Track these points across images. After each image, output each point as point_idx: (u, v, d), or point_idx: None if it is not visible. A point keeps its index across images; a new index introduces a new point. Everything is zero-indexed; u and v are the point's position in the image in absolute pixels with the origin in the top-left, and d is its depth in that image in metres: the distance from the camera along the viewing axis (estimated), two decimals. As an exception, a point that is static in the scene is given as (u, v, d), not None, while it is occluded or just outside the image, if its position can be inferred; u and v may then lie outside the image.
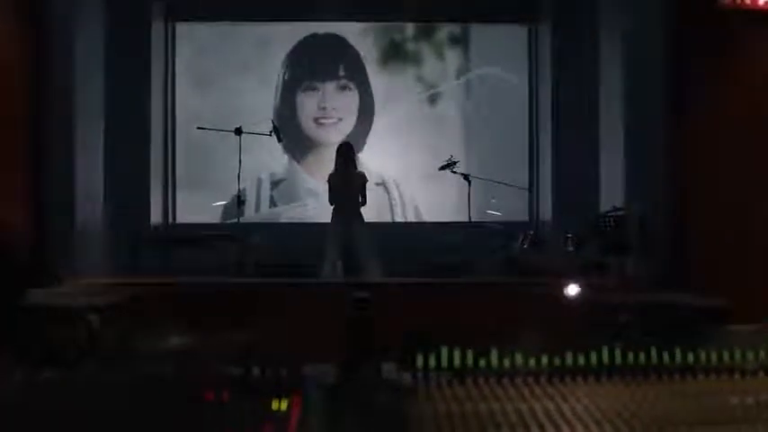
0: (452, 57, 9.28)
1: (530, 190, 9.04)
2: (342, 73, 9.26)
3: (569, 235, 7.04)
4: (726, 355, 1.45)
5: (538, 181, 9.07)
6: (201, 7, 8.94)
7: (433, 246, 7.66)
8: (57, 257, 5.86)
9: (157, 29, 8.79)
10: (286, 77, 9.23)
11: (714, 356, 1.45)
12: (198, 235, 7.47)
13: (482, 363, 1.44)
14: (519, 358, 1.44)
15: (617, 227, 6.50)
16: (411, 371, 1.46)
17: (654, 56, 6.02)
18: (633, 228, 6.23)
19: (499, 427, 1.22)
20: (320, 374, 1.48)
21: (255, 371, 1.42)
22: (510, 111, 9.16)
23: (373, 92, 9.24)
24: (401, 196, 9.17)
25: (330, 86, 9.24)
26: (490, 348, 1.47)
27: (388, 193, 9.14)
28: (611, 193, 7.28)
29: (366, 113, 9.22)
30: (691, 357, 1.44)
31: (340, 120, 9.21)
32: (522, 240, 7.46)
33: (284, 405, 1.31)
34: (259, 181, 9.07)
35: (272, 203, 9.16)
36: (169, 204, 8.98)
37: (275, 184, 9.17)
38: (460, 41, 9.31)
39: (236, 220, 7.90)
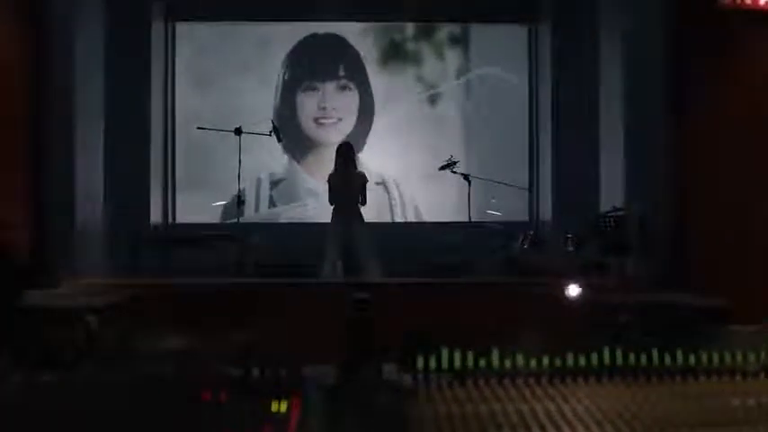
0: (452, 57, 9.28)
1: (530, 190, 9.04)
2: (342, 73, 9.26)
3: (569, 235, 7.04)
4: (727, 357, 1.44)
5: (538, 181, 9.07)
6: (201, 7, 8.94)
7: (432, 246, 7.66)
8: (56, 257, 5.86)
9: (157, 29, 8.78)
10: (286, 77, 9.23)
11: (715, 358, 1.45)
12: (198, 235, 7.47)
13: (482, 364, 1.44)
14: (520, 359, 1.44)
15: (617, 227, 6.50)
16: (411, 372, 1.46)
17: (654, 56, 6.01)
18: (633, 228, 6.22)
19: (500, 428, 1.21)
20: (320, 375, 1.48)
21: (255, 372, 1.41)
22: (510, 111, 9.15)
23: (373, 92, 9.23)
24: (401, 196, 9.17)
25: (330, 86, 9.24)
26: (491, 349, 1.46)
27: (388, 193, 9.14)
28: (611, 193, 7.28)
29: (366, 113, 9.22)
30: (692, 358, 1.44)
31: (340, 120, 9.21)
32: (522, 240, 7.46)
33: (284, 406, 1.30)
34: (258, 181, 9.06)
35: (272, 203, 9.16)
36: (169, 204, 8.98)
37: (275, 183, 9.17)
38: (460, 41, 9.31)
39: (235, 220, 7.90)
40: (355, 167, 7.48)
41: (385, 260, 7.04)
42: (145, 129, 8.32)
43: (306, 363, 1.49)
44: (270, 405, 1.31)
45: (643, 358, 1.43)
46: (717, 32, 5.39)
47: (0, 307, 3.48)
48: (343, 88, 9.25)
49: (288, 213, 9.12)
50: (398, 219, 9.16)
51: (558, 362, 1.43)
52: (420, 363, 1.45)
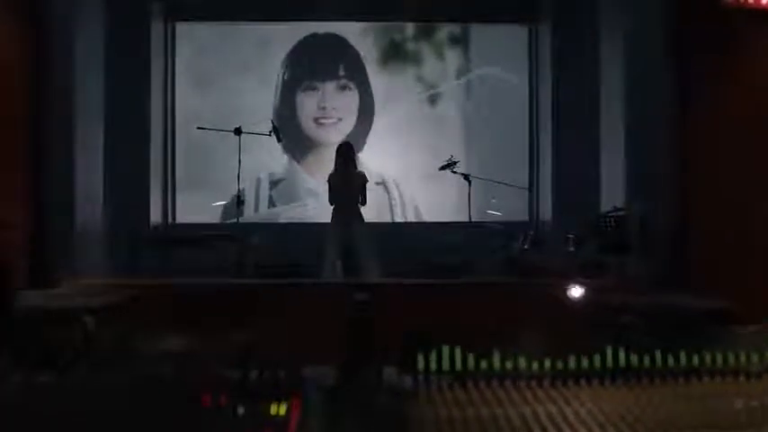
0: (452, 57, 9.27)
1: (530, 190, 9.03)
2: (342, 73, 9.25)
3: (569, 235, 7.03)
4: (730, 358, 1.43)
5: (538, 181, 9.06)
6: (201, 7, 8.92)
7: (433, 246, 7.65)
8: (56, 258, 5.85)
9: (157, 29, 8.77)
10: (286, 77, 9.22)
11: (719, 359, 1.43)
12: (197, 235, 7.46)
13: (483, 366, 1.42)
14: (521, 361, 1.42)
15: (617, 227, 6.49)
16: (412, 373, 1.45)
17: (655, 55, 6.00)
18: (634, 228, 6.22)
19: (501, 431, 1.20)
20: (320, 377, 1.46)
21: (254, 373, 1.40)
22: (510, 111, 9.14)
23: (373, 92, 9.23)
24: (401, 196, 9.16)
25: (330, 86, 9.23)
26: (492, 351, 1.45)
27: (388, 193, 9.13)
28: (612, 193, 7.27)
29: (366, 113, 9.21)
30: (695, 360, 1.43)
31: (340, 120, 9.20)
32: (522, 240, 7.45)
33: (283, 409, 1.29)
34: (258, 181, 9.06)
35: (272, 203, 9.15)
36: (169, 204, 8.97)
37: (274, 183, 9.16)
38: (460, 41, 9.30)
39: (235, 220, 7.89)
40: (355, 167, 7.47)
41: (385, 260, 7.04)
42: (145, 129, 8.31)
43: (305, 364, 1.47)
44: (269, 407, 1.29)
45: (646, 360, 1.42)
46: (718, 31, 5.38)
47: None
48: (343, 88, 9.24)
49: (288, 213, 9.11)
50: (398, 219, 9.14)
51: (559, 364, 1.42)
52: (420, 364, 1.44)
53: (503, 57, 9.24)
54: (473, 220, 7.65)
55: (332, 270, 7.03)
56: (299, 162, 9.18)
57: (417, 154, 8.95)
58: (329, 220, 7.35)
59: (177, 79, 9.07)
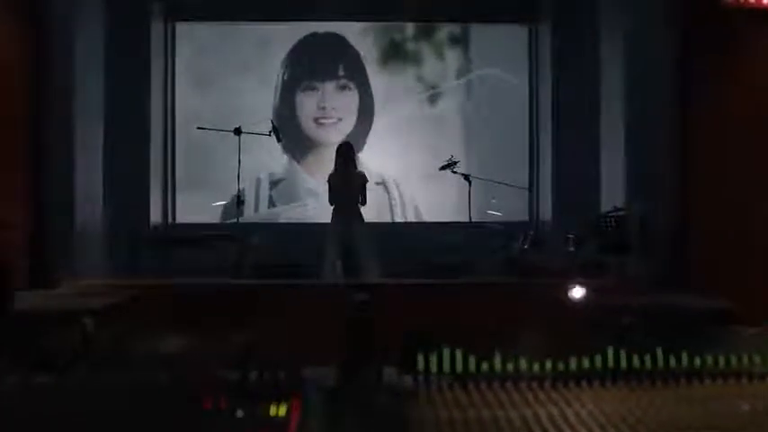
0: (452, 57, 9.26)
1: (530, 190, 9.02)
2: (341, 73, 9.24)
3: (569, 235, 7.02)
4: (733, 359, 1.43)
5: (538, 181, 9.05)
6: (201, 7, 8.92)
7: (433, 246, 7.64)
8: (56, 258, 5.84)
9: (157, 29, 8.77)
10: (286, 77, 9.22)
11: (721, 360, 1.43)
12: (197, 235, 7.45)
13: (484, 367, 1.42)
14: (522, 362, 1.42)
15: (618, 227, 6.48)
16: (412, 373, 1.44)
17: (656, 55, 6.00)
18: (634, 228, 6.21)
19: (502, 432, 1.20)
20: (320, 377, 1.46)
21: (253, 374, 1.40)
22: (510, 111, 9.14)
23: (373, 92, 9.22)
24: (401, 196, 9.15)
25: (330, 86, 9.22)
26: (492, 352, 1.45)
27: (388, 193, 9.13)
28: (612, 193, 7.26)
29: (366, 113, 9.21)
30: (697, 361, 1.42)
31: (340, 120, 9.20)
32: (523, 240, 7.45)
33: (283, 410, 1.29)
34: (258, 181, 9.05)
35: (272, 203, 9.15)
36: (169, 204, 8.96)
37: (274, 183, 9.16)
38: (460, 41, 9.29)
39: (235, 220, 7.89)
40: (355, 167, 7.47)
41: (385, 260, 7.03)
42: (145, 129, 8.31)
43: (305, 364, 1.47)
44: (268, 409, 1.29)
45: (647, 361, 1.42)
46: (720, 31, 5.37)
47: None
48: (343, 88, 9.23)
49: (287, 213, 9.10)
50: (398, 219, 9.14)
51: (560, 365, 1.41)
52: (421, 364, 1.43)
53: (503, 57, 9.23)
54: (473, 220, 7.65)
55: (332, 270, 7.03)
56: (298, 162, 9.17)
57: (417, 154, 8.95)
58: (329, 220, 7.34)
59: (177, 79, 9.06)
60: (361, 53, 9.22)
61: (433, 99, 9.21)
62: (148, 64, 8.40)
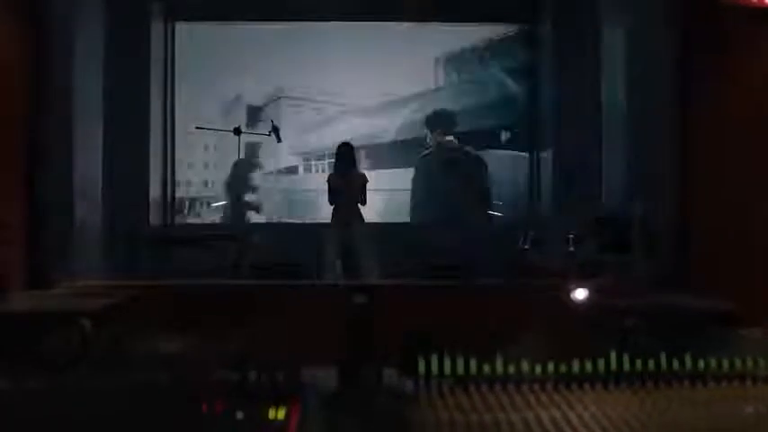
0: (452, 57, 9.24)
1: (530, 189, 9.01)
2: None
3: (570, 235, 7.01)
4: (737, 362, 1.41)
5: (538, 181, 9.04)
6: (201, 7, 8.91)
7: (433, 246, 7.63)
8: (55, 258, 5.84)
9: (157, 29, 8.75)
10: (286, 77, 9.20)
11: (725, 363, 1.41)
12: (197, 235, 7.45)
13: (485, 369, 1.40)
14: (524, 365, 1.40)
15: (618, 226, 6.47)
16: (412, 376, 1.43)
17: (656, 54, 5.99)
18: (635, 227, 6.20)
19: (504, 435, 1.18)
20: (319, 380, 1.45)
21: (252, 376, 1.38)
22: (510, 111, 9.12)
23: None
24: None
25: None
26: (493, 353, 1.43)
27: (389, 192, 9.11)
28: (613, 193, 7.25)
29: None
30: (701, 364, 1.41)
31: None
32: (522, 240, 7.43)
33: (282, 413, 1.27)
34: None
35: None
36: (169, 204, 8.95)
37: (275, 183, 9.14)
38: (461, 41, 9.27)
39: (235, 220, 7.89)
40: (355, 167, 7.46)
41: (385, 260, 7.02)
42: (145, 129, 8.29)
43: (305, 366, 1.46)
44: (267, 411, 1.28)
45: (651, 363, 1.40)
46: (719, 31, 5.36)
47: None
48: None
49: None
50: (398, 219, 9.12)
51: (562, 367, 1.40)
52: (421, 367, 1.42)
53: (503, 57, 9.22)
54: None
55: (332, 270, 7.02)
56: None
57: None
58: (329, 220, 7.33)
59: (177, 79, 9.05)
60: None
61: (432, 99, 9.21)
62: (148, 64, 8.38)
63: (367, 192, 7.26)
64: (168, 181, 8.93)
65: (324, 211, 7.62)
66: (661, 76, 6.14)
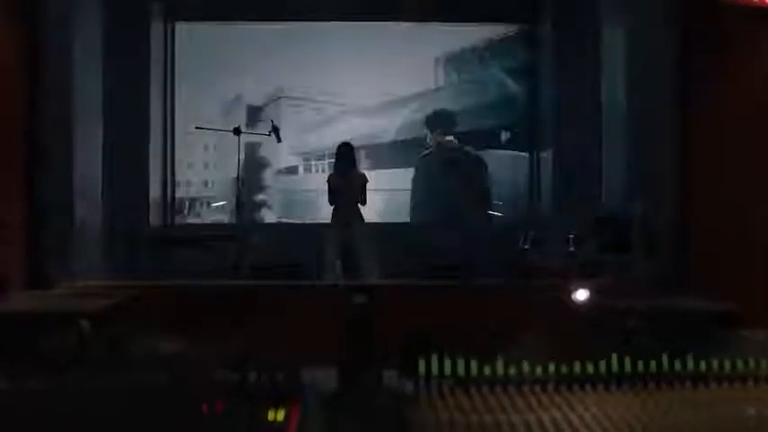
0: (452, 57, 9.24)
1: (530, 189, 9.01)
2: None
3: (570, 235, 7.00)
4: (739, 363, 1.41)
5: (538, 180, 9.04)
6: (201, 7, 8.90)
7: (433, 246, 7.62)
8: (54, 258, 5.83)
9: (157, 29, 8.75)
10: (286, 77, 9.20)
11: (727, 364, 1.41)
12: (197, 235, 7.44)
13: (486, 370, 1.40)
14: (524, 366, 1.40)
15: (618, 227, 6.47)
16: (413, 377, 1.42)
17: (656, 54, 5.99)
18: (635, 227, 6.20)
19: (505, 437, 1.18)
20: (319, 380, 1.44)
21: (252, 377, 1.38)
22: (510, 111, 9.12)
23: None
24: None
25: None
26: (493, 353, 1.43)
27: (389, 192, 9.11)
28: (613, 193, 7.25)
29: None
30: (703, 365, 1.40)
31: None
32: (523, 240, 7.43)
33: (281, 414, 1.27)
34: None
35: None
36: (169, 204, 8.95)
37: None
38: (461, 41, 9.27)
39: (235, 220, 7.88)
40: (355, 168, 7.46)
41: (384, 261, 7.02)
42: (144, 129, 8.29)
43: (305, 367, 1.45)
44: (267, 412, 1.27)
45: (652, 365, 1.40)
46: (720, 30, 5.36)
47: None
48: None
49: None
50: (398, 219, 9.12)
51: (564, 368, 1.39)
52: (421, 367, 1.41)
53: (503, 57, 9.22)
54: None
55: (332, 270, 7.02)
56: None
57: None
58: (329, 221, 7.33)
59: (177, 79, 9.04)
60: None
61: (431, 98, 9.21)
62: (148, 64, 8.38)
63: (367, 192, 7.26)
64: (168, 181, 8.92)
65: (324, 212, 7.62)
66: (661, 76, 6.13)
